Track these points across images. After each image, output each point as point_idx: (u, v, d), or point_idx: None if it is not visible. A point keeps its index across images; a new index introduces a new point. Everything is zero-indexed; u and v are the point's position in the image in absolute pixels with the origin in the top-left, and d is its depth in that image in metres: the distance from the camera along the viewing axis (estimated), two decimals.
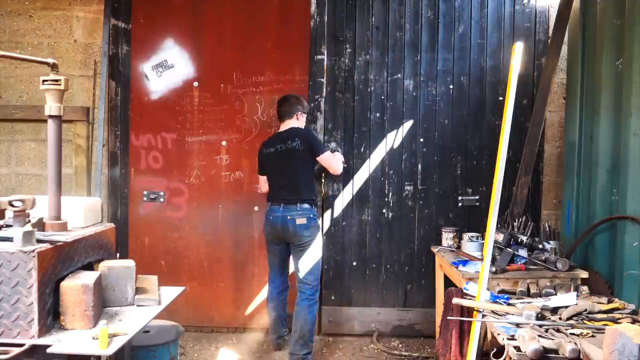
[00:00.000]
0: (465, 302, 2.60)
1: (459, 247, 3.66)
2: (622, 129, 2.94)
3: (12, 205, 1.95)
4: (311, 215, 3.51)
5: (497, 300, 2.62)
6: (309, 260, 3.50)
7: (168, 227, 4.12)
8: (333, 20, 4.07)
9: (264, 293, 4.10)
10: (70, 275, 1.97)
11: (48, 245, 1.85)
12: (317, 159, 3.56)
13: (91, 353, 1.75)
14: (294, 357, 3.45)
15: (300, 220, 3.46)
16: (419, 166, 4.08)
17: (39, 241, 1.87)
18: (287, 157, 3.52)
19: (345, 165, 3.93)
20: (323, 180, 4.10)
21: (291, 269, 3.72)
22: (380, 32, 4.07)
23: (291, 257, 3.63)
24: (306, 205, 3.50)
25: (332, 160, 3.64)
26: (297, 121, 3.63)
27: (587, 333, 2.17)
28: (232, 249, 4.12)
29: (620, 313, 2.45)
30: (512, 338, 2.14)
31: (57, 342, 1.77)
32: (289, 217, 3.47)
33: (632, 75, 2.84)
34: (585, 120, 3.37)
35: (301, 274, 3.52)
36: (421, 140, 4.08)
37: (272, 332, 3.76)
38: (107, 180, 4.15)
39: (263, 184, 3.75)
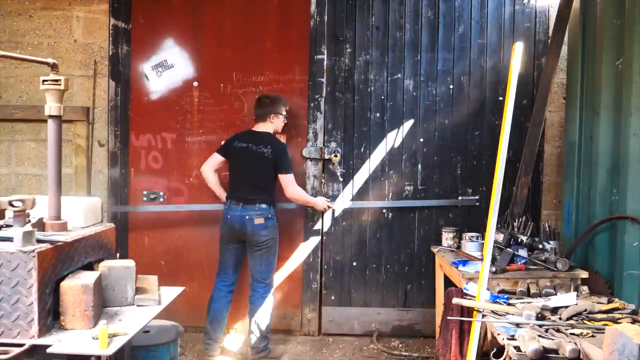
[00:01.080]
0: (465, 302, 2.60)
1: (459, 247, 3.66)
2: (622, 129, 2.94)
3: (12, 205, 1.95)
4: (269, 216, 3.53)
5: (497, 300, 2.62)
6: (266, 259, 3.56)
7: (168, 227, 4.12)
8: (333, 20, 4.07)
9: None
10: (70, 275, 1.97)
11: (48, 245, 1.85)
12: (279, 175, 3.58)
13: (91, 353, 1.75)
14: (255, 350, 3.58)
15: (259, 220, 3.48)
16: (419, 166, 4.08)
17: (39, 241, 1.87)
18: (255, 157, 3.54)
19: (329, 204, 3.90)
20: (323, 180, 4.10)
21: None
22: (380, 32, 4.07)
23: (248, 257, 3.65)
24: (264, 206, 3.51)
25: (290, 185, 3.60)
26: (271, 124, 3.63)
27: (587, 333, 2.17)
28: None
29: (620, 313, 2.45)
30: (512, 338, 2.14)
31: (57, 342, 1.77)
32: (247, 217, 3.48)
33: (632, 75, 2.84)
34: (585, 120, 3.37)
35: (257, 274, 3.59)
36: (421, 140, 4.08)
37: (210, 333, 3.62)
38: (107, 180, 4.15)
39: (212, 165, 3.70)
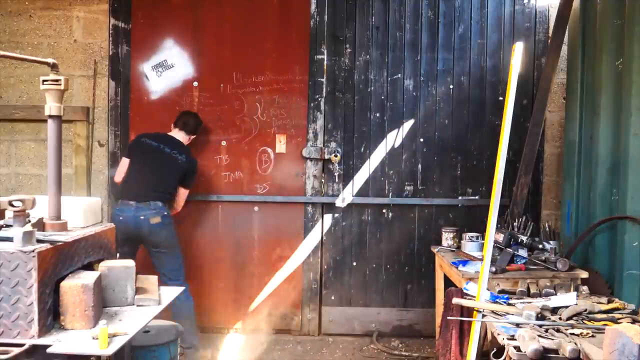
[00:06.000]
0: (465, 302, 2.60)
1: (459, 247, 3.66)
2: (622, 129, 2.94)
3: (12, 205, 1.94)
4: (165, 213, 3.45)
5: (497, 300, 2.61)
6: (174, 257, 3.50)
7: None
8: (333, 20, 4.07)
9: (264, 293, 4.11)
10: (70, 275, 1.97)
11: (48, 245, 1.84)
12: (180, 187, 3.59)
13: (91, 353, 1.74)
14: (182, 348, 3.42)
15: (155, 220, 3.39)
16: (419, 166, 4.08)
17: (39, 241, 1.87)
18: (166, 160, 3.51)
19: None
20: (323, 180, 4.10)
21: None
22: (380, 32, 4.07)
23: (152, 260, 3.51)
24: (160, 203, 3.43)
25: (183, 202, 3.67)
26: (187, 139, 3.71)
27: (587, 333, 2.17)
28: (232, 249, 4.12)
29: (620, 313, 2.45)
30: (512, 338, 2.14)
31: (57, 342, 1.77)
32: (142, 217, 3.38)
33: (632, 75, 2.84)
34: (585, 120, 3.37)
35: (170, 275, 3.46)
36: (421, 140, 4.08)
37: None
38: (107, 180, 4.15)
39: (122, 170, 3.60)
